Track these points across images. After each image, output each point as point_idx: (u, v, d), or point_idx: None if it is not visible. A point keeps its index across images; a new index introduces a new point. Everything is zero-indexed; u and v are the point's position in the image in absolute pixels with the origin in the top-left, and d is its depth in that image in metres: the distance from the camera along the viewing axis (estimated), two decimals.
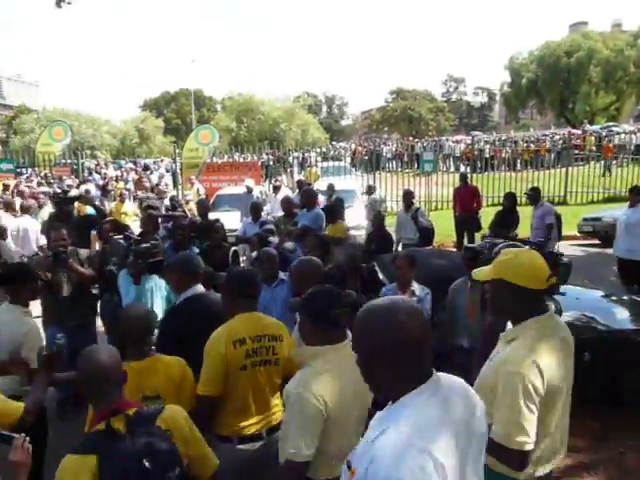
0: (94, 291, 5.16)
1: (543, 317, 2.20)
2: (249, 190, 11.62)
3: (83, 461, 1.88)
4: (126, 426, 1.94)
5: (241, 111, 52.39)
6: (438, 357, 1.66)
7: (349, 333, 2.29)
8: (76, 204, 7.90)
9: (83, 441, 1.97)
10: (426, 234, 8.49)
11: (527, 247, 2.97)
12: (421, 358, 1.50)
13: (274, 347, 2.90)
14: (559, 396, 2.18)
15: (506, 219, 8.57)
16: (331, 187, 11.40)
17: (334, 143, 41.18)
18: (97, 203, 9.68)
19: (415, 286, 4.60)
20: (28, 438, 2.03)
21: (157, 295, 4.32)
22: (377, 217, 8.07)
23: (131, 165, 24.27)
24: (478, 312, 4.13)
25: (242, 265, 6.41)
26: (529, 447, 2.04)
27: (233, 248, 5.70)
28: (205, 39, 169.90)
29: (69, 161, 19.06)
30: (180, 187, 16.22)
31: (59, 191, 8.38)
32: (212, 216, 7.82)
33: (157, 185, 14.98)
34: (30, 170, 18.40)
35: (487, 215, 10.11)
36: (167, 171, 22.18)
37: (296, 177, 17.45)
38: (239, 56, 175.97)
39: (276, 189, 11.91)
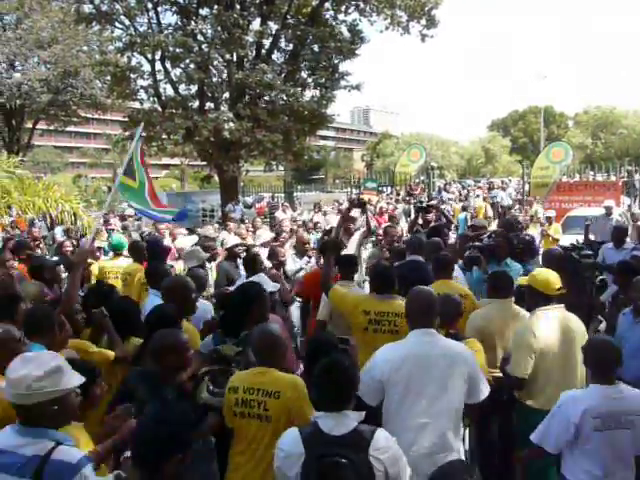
0: None
1: (547, 308, 3.65)
2: (608, 212, 10.52)
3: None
4: None
5: (598, 126, 47.88)
6: None
7: None
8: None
9: None
10: None
11: None
12: (424, 319, 3.09)
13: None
14: (552, 356, 3.54)
15: None
16: None
17: None
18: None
19: None
20: None
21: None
22: None
23: (480, 184, 24.80)
24: None
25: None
26: (523, 376, 3.55)
27: (600, 277, 5.27)
28: (557, 53, 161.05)
29: (422, 179, 20.76)
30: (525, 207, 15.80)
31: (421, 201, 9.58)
32: (566, 239, 7.40)
33: (509, 208, 14.92)
34: (390, 188, 20.75)
35: None
36: (516, 192, 21.89)
37: None
38: (596, 68, 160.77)
39: None
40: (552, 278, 3.71)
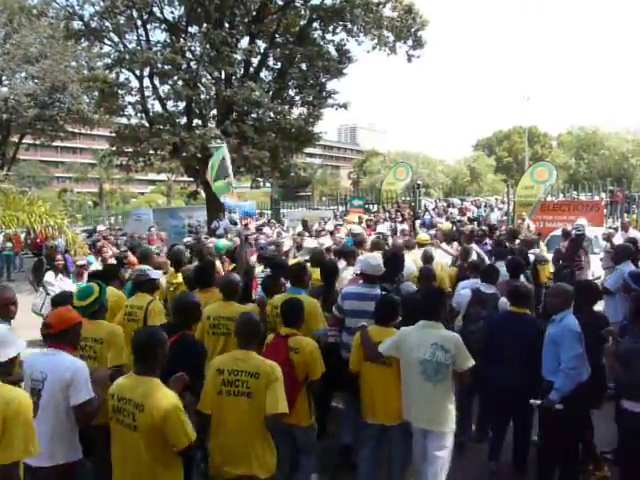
0: None
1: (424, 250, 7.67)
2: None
3: None
4: None
5: (581, 146, 48.70)
6: None
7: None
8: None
9: None
10: None
11: None
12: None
13: None
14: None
15: None
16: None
17: None
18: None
19: None
20: None
21: None
22: None
23: (467, 204, 24.83)
24: None
25: None
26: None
27: None
28: (541, 75, 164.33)
29: (408, 199, 20.87)
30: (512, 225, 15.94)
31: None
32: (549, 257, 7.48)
33: (496, 228, 15.00)
34: (376, 206, 20.82)
35: None
36: (499, 209, 22.00)
37: None
38: (579, 89, 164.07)
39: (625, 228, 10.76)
40: (423, 236, 8.38)
